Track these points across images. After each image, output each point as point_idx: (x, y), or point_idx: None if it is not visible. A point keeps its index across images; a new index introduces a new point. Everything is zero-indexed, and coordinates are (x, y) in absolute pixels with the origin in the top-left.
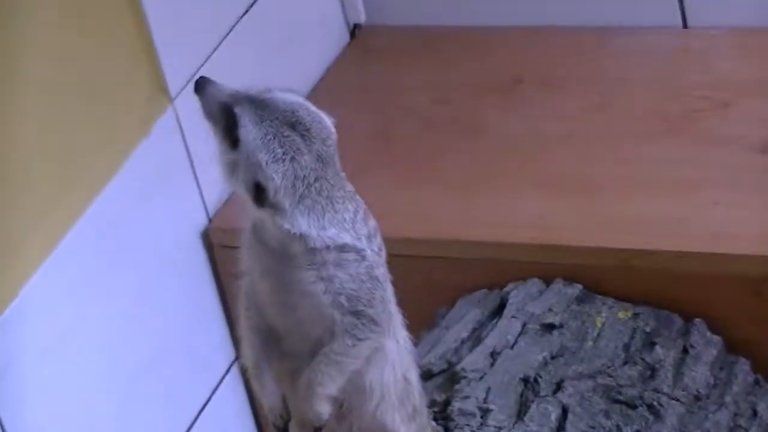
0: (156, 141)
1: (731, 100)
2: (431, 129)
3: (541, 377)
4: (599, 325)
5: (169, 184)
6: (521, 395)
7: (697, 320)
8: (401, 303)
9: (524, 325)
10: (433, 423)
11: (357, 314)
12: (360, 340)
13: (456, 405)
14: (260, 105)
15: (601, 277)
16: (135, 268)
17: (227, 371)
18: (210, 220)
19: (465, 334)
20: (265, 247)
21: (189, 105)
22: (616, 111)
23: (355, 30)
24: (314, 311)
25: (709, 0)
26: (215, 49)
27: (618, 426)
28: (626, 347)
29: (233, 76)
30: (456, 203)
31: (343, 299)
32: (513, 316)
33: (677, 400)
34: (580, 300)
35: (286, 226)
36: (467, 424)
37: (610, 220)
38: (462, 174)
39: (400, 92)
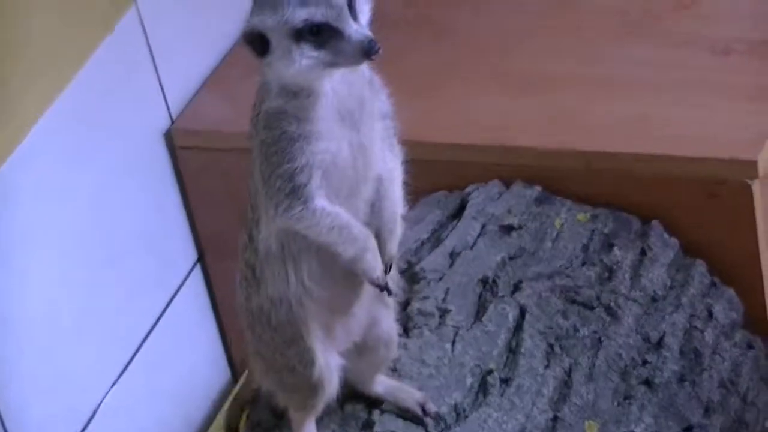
0: (118, 39)
1: (695, 0)
2: (394, 29)
3: (499, 278)
4: (558, 226)
5: (131, 83)
6: (479, 296)
7: (655, 222)
8: None
9: (483, 226)
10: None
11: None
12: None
13: (415, 305)
14: None
15: (560, 178)
16: (97, 167)
17: (190, 271)
18: (172, 121)
19: (425, 235)
20: (341, 105)
21: (152, 3)
22: (578, 11)
23: None
24: (377, 140)
25: None
26: None
27: (575, 326)
28: (584, 248)
29: None
30: (416, 104)
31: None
32: (473, 218)
33: (634, 301)
34: (539, 201)
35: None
36: (425, 324)
37: (571, 122)
38: (422, 74)
39: None
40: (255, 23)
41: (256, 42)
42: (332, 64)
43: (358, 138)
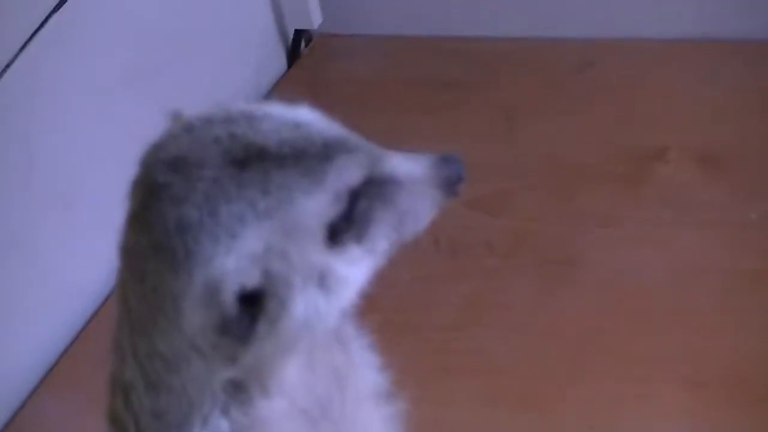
0: None
1: None
2: None
3: None
4: None
5: None
6: None
7: None
8: None
9: None
10: None
11: None
12: None
13: None
14: None
15: None
16: None
17: None
18: None
19: None
20: (307, 393)
21: None
22: None
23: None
24: None
25: None
26: None
27: None
28: None
29: None
30: None
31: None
32: None
33: None
34: None
35: None
36: None
37: None
38: None
39: None
40: (241, 267)
41: (243, 314)
42: (398, 244)
43: None
